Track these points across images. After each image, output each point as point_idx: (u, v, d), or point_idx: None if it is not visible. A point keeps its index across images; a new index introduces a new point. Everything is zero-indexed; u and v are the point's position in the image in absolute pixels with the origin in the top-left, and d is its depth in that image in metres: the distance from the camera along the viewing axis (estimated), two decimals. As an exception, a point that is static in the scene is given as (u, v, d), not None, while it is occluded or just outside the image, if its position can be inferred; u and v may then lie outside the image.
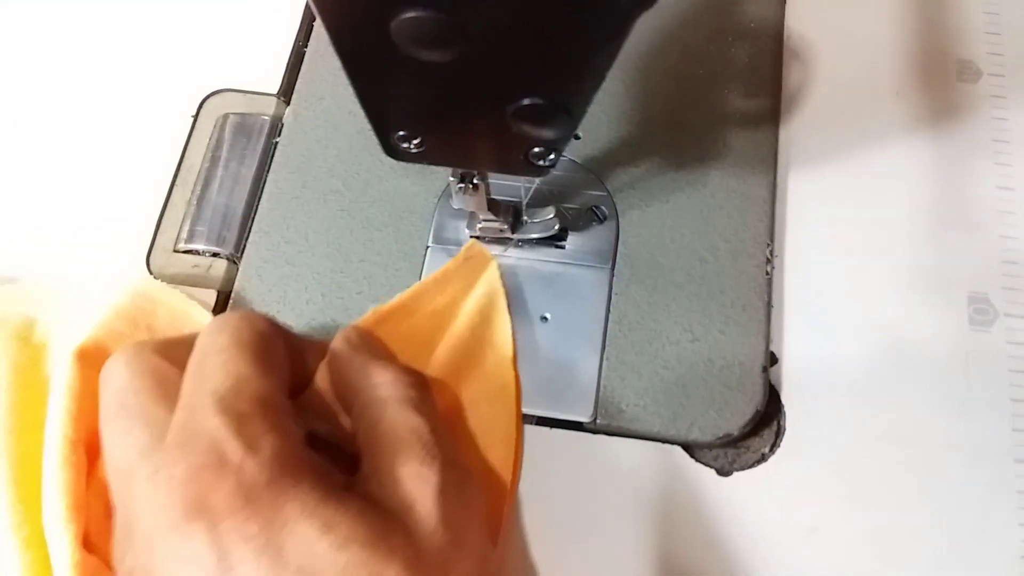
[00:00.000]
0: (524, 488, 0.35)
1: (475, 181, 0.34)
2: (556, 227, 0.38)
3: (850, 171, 0.41)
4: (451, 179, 0.35)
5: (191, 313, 0.37)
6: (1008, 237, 0.39)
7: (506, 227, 0.38)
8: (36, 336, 0.35)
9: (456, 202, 0.36)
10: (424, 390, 0.26)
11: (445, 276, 0.31)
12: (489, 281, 0.32)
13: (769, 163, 0.41)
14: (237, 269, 0.40)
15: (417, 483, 0.23)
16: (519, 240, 0.39)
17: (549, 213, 0.39)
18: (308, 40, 0.46)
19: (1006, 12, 0.44)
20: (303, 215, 0.41)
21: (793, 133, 0.42)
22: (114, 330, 0.34)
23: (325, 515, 0.21)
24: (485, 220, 0.38)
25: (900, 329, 0.38)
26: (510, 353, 0.30)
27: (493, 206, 0.37)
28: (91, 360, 0.32)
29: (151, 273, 0.40)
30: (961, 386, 0.36)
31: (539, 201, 0.39)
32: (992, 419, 0.36)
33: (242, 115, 0.43)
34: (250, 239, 0.40)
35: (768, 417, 0.36)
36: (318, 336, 0.38)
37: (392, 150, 0.32)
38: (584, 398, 0.36)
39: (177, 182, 0.42)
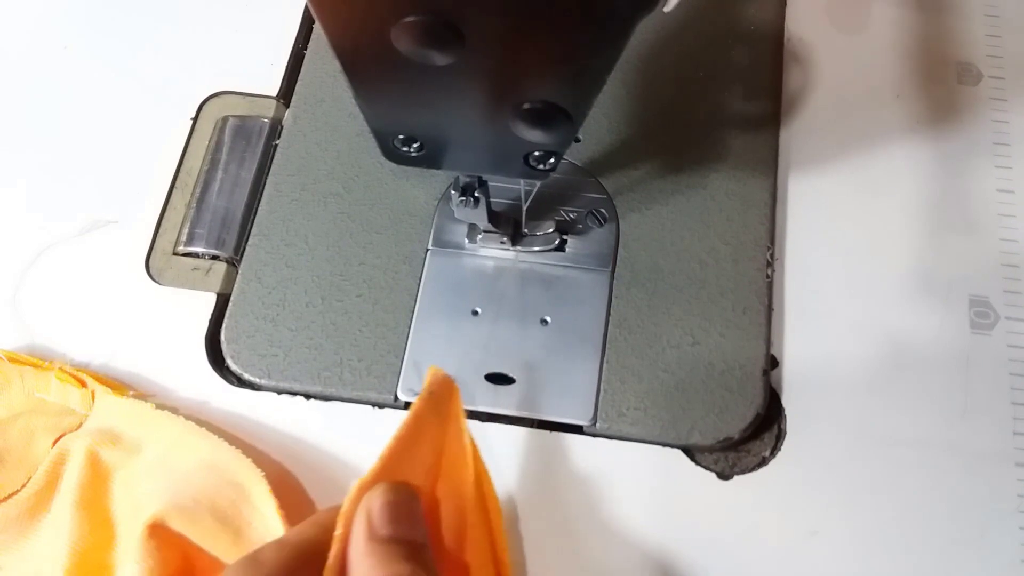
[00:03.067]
0: (524, 492, 0.35)
1: (476, 195, 0.34)
2: (556, 241, 0.39)
3: (850, 174, 0.41)
4: (452, 192, 0.35)
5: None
6: (1008, 240, 0.39)
7: (506, 239, 0.39)
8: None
9: (457, 214, 0.36)
10: None
11: (417, 423, 0.29)
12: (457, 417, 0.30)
13: (769, 166, 0.41)
14: (237, 272, 0.40)
15: None
16: (521, 249, 0.39)
17: (550, 227, 0.39)
18: (308, 43, 0.46)
19: (1006, 15, 0.44)
20: (303, 218, 0.41)
21: (793, 136, 0.42)
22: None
23: None
24: (485, 231, 0.38)
25: (901, 332, 0.38)
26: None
27: (494, 218, 0.37)
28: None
29: (150, 275, 0.40)
30: (962, 389, 0.36)
31: (539, 203, 0.39)
32: (993, 422, 0.36)
33: (241, 117, 0.43)
34: (250, 242, 0.40)
35: (768, 421, 0.36)
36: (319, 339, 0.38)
37: (392, 154, 0.32)
38: (584, 401, 0.36)
39: (176, 185, 0.42)
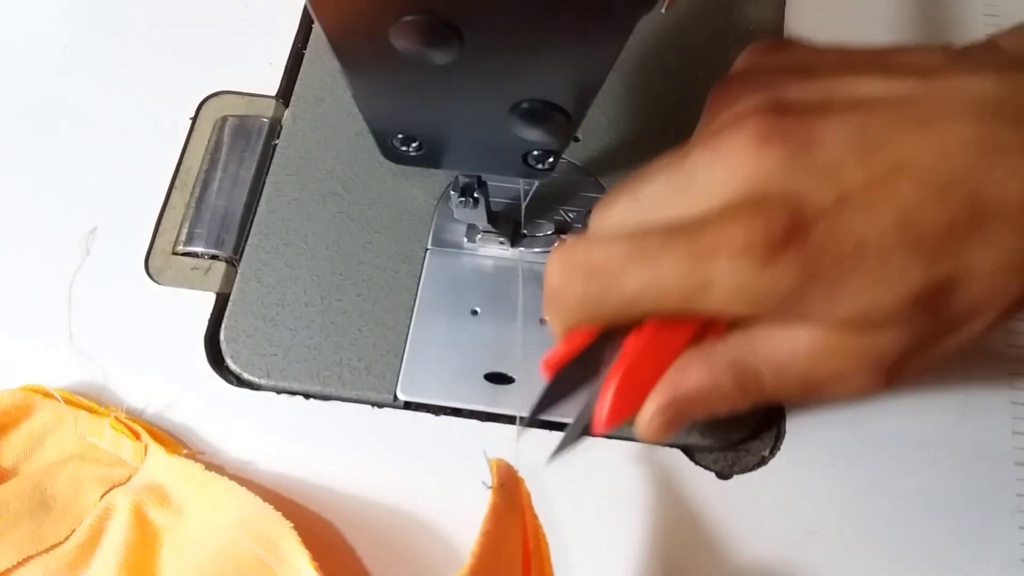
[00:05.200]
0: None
1: (475, 195, 0.34)
2: (556, 244, 0.39)
3: (850, 173, 0.41)
4: (452, 193, 0.35)
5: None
6: (1008, 239, 0.39)
7: (505, 240, 0.39)
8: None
9: (457, 214, 0.36)
10: None
11: (497, 516, 0.29)
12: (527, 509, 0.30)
13: (769, 165, 0.40)
14: (236, 271, 0.40)
15: None
16: (521, 250, 0.39)
17: (549, 228, 0.39)
18: (307, 42, 0.46)
19: (1006, 13, 0.44)
20: (302, 217, 0.41)
21: (793, 135, 0.42)
22: None
23: None
24: (485, 231, 0.38)
25: (900, 332, 0.37)
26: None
27: (493, 218, 0.37)
28: None
29: (149, 275, 0.40)
30: (961, 388, 0.36)
31: (539, 203, 0.39)
32: (992, 421, 0.36)
33: (241, 117, 0.43)
34: (249, 241, 0.40)
35: (768, 420, 0.36)
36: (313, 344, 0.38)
37: (391, 153, 0.32)
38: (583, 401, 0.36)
39: (176, 184, 0.42)
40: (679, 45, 0.43)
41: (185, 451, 0.36)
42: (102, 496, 0.35)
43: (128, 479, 0.35)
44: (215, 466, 0.35)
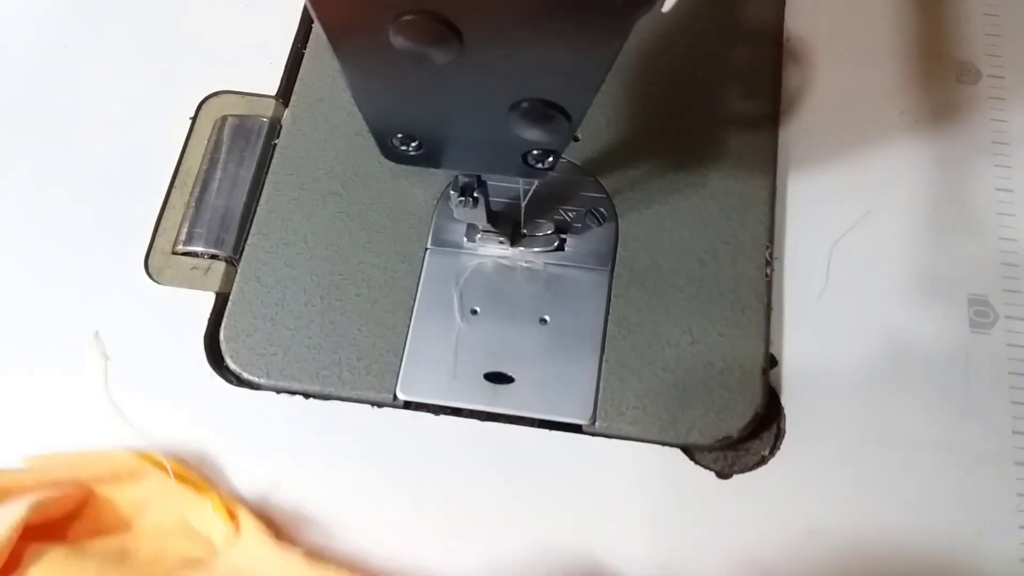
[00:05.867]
0: (523, 491, 0.35)
1: (475, 195, 0.34)
2: (556, 243, 0.39)
3: (849, 173, 0.41)
4: (452, 192, 0.35)
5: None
6: (1007, 239, 0.39)
7: (505, 239, 0.39)
8: None
9: (456, 214, 0.36)
10: None
11: None
12: None
13: (768, 165, 0.41)
14: (236, 271, 0.40)
15: None
16: (522, 249, 0.39)
17: (549, 227, 0.39)
18: (307, 42, 0.46)
19: (1006, 14, 0.44)
20: (302, 217, 0.41)
21: (792, 135, 0.42)
22: None
23: None
24: (484, 231, 0.38)
25: (900, 331, 0.37)
26: None
27: (493, 218, 0.37)
28: None
29: (149, 275, 0.40)
30: (961, 388, 0.36)
31: (538, 203, 0.39)
32: (992, 421, 0.36)
33: (240, 117, 0.43)
34: (249, 241, 0.40)
35: (768, 419, 0.36)
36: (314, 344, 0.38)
37: (390, 153, 0.32)
38: (583, 401, 0.36)
39: (175, 184, 0.42)
40: (679, 45, 0.43)
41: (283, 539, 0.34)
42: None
43: (212, 560, 0.34)
44: (314, 554, 0.34)
